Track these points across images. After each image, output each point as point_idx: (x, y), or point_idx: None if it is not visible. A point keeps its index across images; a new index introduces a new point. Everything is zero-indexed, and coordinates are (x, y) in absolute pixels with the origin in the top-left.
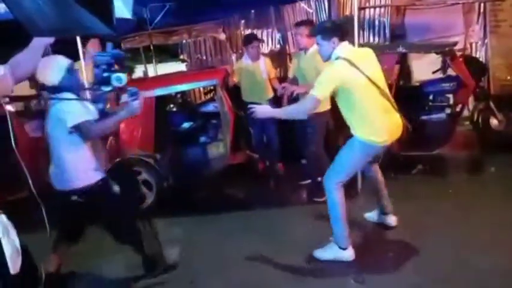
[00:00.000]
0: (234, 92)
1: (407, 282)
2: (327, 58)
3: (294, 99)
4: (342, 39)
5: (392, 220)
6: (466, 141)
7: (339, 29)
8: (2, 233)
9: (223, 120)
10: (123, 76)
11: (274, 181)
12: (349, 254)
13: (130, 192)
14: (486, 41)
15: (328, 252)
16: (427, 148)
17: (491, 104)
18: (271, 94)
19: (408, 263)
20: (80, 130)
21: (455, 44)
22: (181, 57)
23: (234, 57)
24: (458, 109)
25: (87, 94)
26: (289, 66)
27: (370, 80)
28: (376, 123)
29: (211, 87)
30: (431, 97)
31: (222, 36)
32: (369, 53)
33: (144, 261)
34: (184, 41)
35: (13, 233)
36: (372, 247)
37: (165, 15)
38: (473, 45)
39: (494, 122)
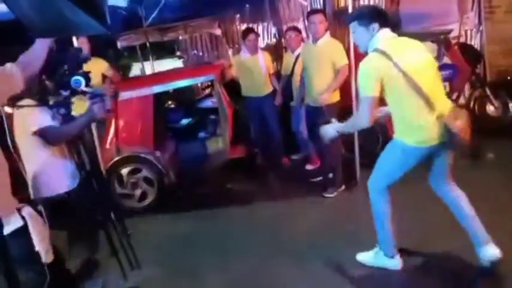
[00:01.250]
0: (232, 87)
1: (407, 264)
2: (365, 48)
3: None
4: (383, 25)
5: (497, 252)
6: None
7: (380, 14)
8: (31, 226)
9: (221, 115)
10: (82, 79)
11: (278, 175)
12: (396, 263)
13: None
14: (481, 27)
15: (374, 259)
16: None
17: (488, 91)
18: (270, 88)
19: (407, 247)
20: (42, 136)
21: (450, 31)
22: (178, 53)
23: (230, 52)
24: (454, 97)
25: (50, 99)
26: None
27: (408, 74)
28: (414, 123)
29: (209, 83)
30: None
31: (218, 32)
32: (414, 42)
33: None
34: (180, 38)
35: (41, 222)
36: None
37: (160, 12)
38: (468, 32)
39: (490, 108)
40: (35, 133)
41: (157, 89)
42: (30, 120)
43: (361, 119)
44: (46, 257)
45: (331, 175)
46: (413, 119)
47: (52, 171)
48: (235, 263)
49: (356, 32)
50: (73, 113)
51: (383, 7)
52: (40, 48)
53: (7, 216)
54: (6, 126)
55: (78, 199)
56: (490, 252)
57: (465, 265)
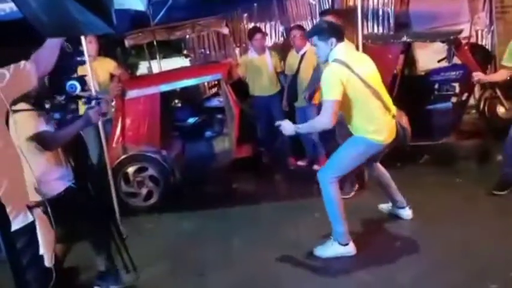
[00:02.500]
0: (239, 86)
1: (415, 269)
2: (325, 59)
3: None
4: (339, 40)
5: (408, 214)
6: (473, 130)
7: (336, 30)
8: (39, 227)
9: (228, 115)
10: (77, 83)
11: (283, 175)
12: (350, 249)
13: (100, 201)
14: (492, 27)
15: (329, 250)
16: (433, 138)
17: (498, 92)
18: (278, 88)
19: (416, 251)
20: (36, 141)
21: (460, 31)
22: (185, 52)
23: (237, 51)
24: (464, 98)
25: (45, 103)
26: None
27: (364, 81)
28: (375, 122)
29: (216, 82)
30: (437, 86)
31: (226, 31)
32: (364, 56)
33: (101, 272)
34: (187, 36)
35: (49, 227)
36: (378, 237)
37: (168, 11)
38: (479, 32)
39: (501, 110)
40: (30, 138)
41: (164, 87)
42: (25, 124)
43: (324, 121)
44: (49, 261)
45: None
46: (375, 119)
47: (47, 176)
48: (241, 262)
49: (317, 45)
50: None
51: (392, 7)
52: (52, 47)
53: (18, 212)
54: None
55: (77, 196)
56: (408, 212)
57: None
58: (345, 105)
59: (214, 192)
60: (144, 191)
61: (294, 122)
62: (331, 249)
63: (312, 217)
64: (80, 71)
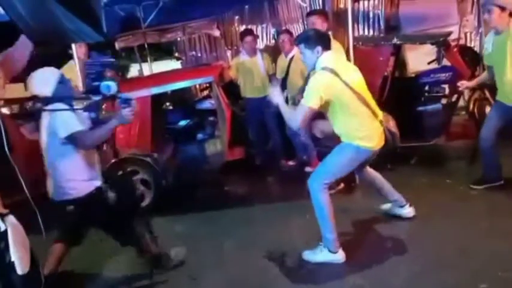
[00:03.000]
0: (230, 88)
1: (407, 270)
2: (311, 67)
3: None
4: (325, 48)
5: (409, 211)
6: (463, 131)
7: (322, 38)
8: (11, 235)
9: (219, 117)
10: (113, 84)
11: (276, 177)
12: (339, 257)
13: (126, 196)
14: (481, 30)
15: (318, 255)
16: (424, 139)
17: (487, 93)
18: (267, 91)
19: (407, 252)
20: (73, 140)
21: (449, 34)
22: (176, 55)
23: (229, 53)
24: (454, 99)
25: (80, 103)
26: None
27: (352, 88)
28: (363, 129)
29: (207, 84)
30: (426, 88)
31: (217, 33)
32: (351, 64)
33: (150, 260)
34: (178, 39)
35: (22, 233)
36: (369, 238)
37: (158, 13)
38: (468, 34)
39: (489, 110)
40: (67, 137)
41: (156, 90)
42: (61, 124)
43: (294, 121)
44: (20, 268)
45: None
46: (364, 126)
47: (81, 175)
48: (233, 264)
49: (303, 53)
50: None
51: (383, 10)
52: (22, 50)
53: None
54: (3, 127)
55: (105, 195)
56: (409, 210)
57: None
58: (333, 112)
59: (206, 194)
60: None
61: (283, 123)
62: (320, 255)
63: (303, 219)
64: (67, 72)
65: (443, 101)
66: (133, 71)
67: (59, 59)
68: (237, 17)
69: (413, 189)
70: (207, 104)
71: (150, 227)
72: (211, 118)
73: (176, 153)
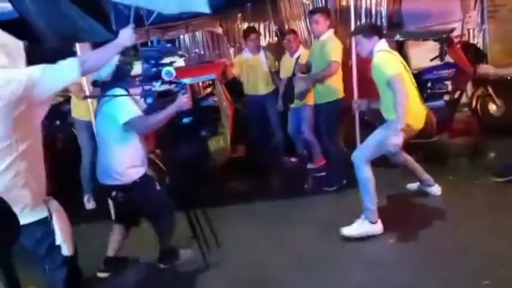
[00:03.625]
0: (233, 85)
1: (409, 267)
2: (367, 53)
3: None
4: (380, 37)
5: (437, 189)
6: (465, 127)
7: (378, 29)
8: (56, 219)
9: (222, 114)
10: (172, 70)
11: (278, 174)
12: (378, 228)
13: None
14: (484, 26)
15: (360, 228)
16: (426, 135)
17: (490, 90)
18: (272, 87)
19: (410, 249)
20: (132, 126)
21: (452, 30)
22: (179, 52)
23: (231, 50)
24: (456, 96)
25: (137, 89)
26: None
27: (408, 70)
28: (412, 108)
29: (210, 82)
30: (429, 84)
31: (219, 30)
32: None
33: (163, 252)
34: (181, 36)
35: (65, 217)
36: (372, 236)
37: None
38: (471, 31)
39: (493, 107)
40: (126, 123)
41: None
42: (121, 109)
43: (403, 92)
44: (67, 250)
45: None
46: (414, 105)
47: (132, 161)
48: (236, 262)
49: (360, 42)
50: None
51: (385, 6)
52: (113, 49)
53: (34, 206)
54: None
55: (150, 181)
56: (438, 188)
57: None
58: (386, 89)
59: (209, 191)
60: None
61: (285, 121)
62: (361, 227)
63: (306, 215)
64: None
65: (446, 97)
66: (137, 68)
67: (62, 55)
68: (239, 15)
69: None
70: (210, 101)
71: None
72: (214, 115)
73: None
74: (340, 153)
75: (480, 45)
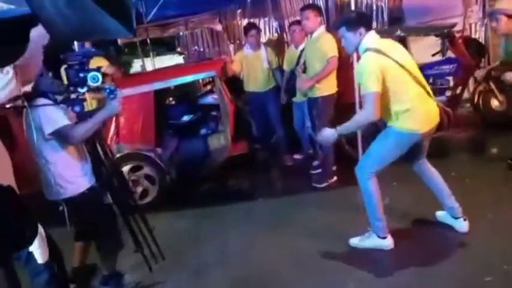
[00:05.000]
0: (233, 82)
1: (411, 263)
2: (353, 49)
3: (290, 87)
4: (368, 29)
5: (462, 226)
6: (467, 123)
7: (365, 18)
8: None
9: (223, 112)
10: (99, 74)
11: (279, 172)
12: (388, 243)
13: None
14: (485, 21)
15: (367, 241)
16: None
17: (492, 85)
18: (272, 84)
19: (412, 246)
20: (59, 136)
21: (453, 25)
22: (179, 49)
23: (231, 47)
24: (458, 91)
25: (62, 97)
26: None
27: (402, 66)
28: (412, 110)
29: (210, 79)
30: (431, 80)
31: (219, 27)
32: (394, 43)
33: (105, 275)
34: (181, 33)
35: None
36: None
37: (160, 8)
38: (473, 26)
39: (495, 103)
40: (52, 133)
41: (158, 85)
42: (45, 120)
43: (367, 114)
44: (40, 257)
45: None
46: (412, 107)
47: (73, 171)
48: (237, 260)
49: (344, 36)
50: (86, 109)
51: (386, 1)
52: (36, 55)
53: None
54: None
55: (98, 195)
56: (460, 224)
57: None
58: (382, 94)
59: (209, 189)
60: (139, 189)
61: (291, 117)
62: (369, 241)
63: (308, 214)
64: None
65: (448, 93)
66: (136, 66)
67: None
68: (239, 11)
69: (418, 183)
70: (210, 99)
71: (147, 225)
72: (214, 113)
73: (179, 148)
74: (331, 150)
75: (482, 40)
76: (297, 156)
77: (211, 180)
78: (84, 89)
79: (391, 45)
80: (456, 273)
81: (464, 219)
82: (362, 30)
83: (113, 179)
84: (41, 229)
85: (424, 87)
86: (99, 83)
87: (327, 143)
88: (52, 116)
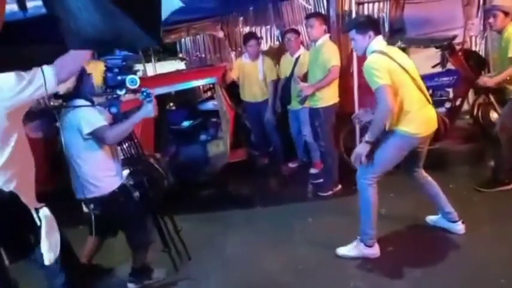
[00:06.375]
0: (233, 89)
1: (407, 274)
2: (362, 52)
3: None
4: (377, 33)
5: (461, 228)
6: (467, 135)
7: (374, 23)
8: (45, 227)
9: (222, 118)
10: (137, 78)
11: (278, 178)
12: (374, 252)
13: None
14: (486, 33)
15: (353, 251)
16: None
17: (491, 98)
18: (266, 95)
19: (408, 257)
20: (96, 136)
21: (454, 37)
22: (180, 55)
23: (233, 54)
24: (458, 103)
25: (101, 99)
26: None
27: (406, 71)
28: (412, 114)
29: (211, 85)
30: (430, 91)
31: (221, 34)
32: (398, 50)
33: (136, 269)
34: (182, 39)
35: (55, 226)
36: None
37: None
38: (473, 38)
39: (494, 115)
40: (90, 133)
41: (159, 91)
42: (84, 121)
43: (383, 108)
44: (47, 259)
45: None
46: (412, 111)
47: (105, 171)
48: (234, 266)
49: (354, 39)
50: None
51: (387, 13)
52: (76, 56)
53: None
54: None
55: (128, 192)
56: (459, 227)
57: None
58: None
59: (208, 196)
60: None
61: (287, 124)
62: (355, 250)
63: (305, 221)
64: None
65: (447, 104)
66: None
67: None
68: (241, 18)
69: (416, 194)
70: (211, 105)
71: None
72: (214, 119)
73: (179, 153)
74: (335, 158)
75: (482, 52)
76: (291, 165)
77: (210, 186)
78: (123, 91)
79: (396, 51)
80: (452, 285)
81: (462, 222)
82: (371, 33)
83: (144, 178)
84: (56, 230)
85: (424, 94)
86: (137, 86)
87: (359, 159)
88: (90, 117)
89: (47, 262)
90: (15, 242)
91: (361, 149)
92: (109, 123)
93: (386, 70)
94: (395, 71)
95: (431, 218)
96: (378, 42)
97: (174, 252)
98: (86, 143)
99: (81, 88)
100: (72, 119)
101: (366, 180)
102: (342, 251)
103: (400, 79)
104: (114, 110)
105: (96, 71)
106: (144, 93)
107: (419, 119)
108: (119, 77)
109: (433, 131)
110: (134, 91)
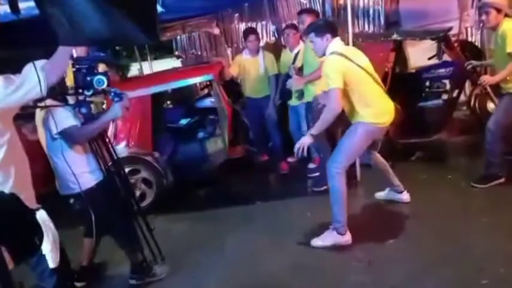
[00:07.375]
0: (231, 86)
1: (408, 266)
2: (321, 54)
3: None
4: (334, 35)
5: (407, 197)
6: (464, 126)
7: (331, 26)
8: (45, 230)
9: (220, 115)
10: (104, 78)
11: (276, 175)
12: (346, 239)
13: (125, 194)
14: (481, 25)
15: (326, 240)
16: (425, 135)
17: (488, 89)
18: (268, 91)
19: (408, 249)
20: (65, 136)
21: (450, 29)
22: (176, 53)
23: (229, 51)
24: (455, 94)
25: (70, 99)
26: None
27: (364, 69)
28: (376, 105)
29: (208, 82)
30: (427, 83)
31: (216, 31)
32: (356, 49)
33: (134, 265)
34: (178, 37)
35: (53, 228)
36: (370, 235)
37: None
38: (469, 29)
39: (491, 106)
40: (59, 133)
41: (156, 89)
42: (53, 120)
43: (331, 108)
44: (52, 261)
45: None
46: (375, 104)
47: (81, 167)
48: (234, 263)
49: (313, 41)
50: (92, 111)
51: (383, 5)
52: (64, 56)
53: None
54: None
55: (107, 191)
56: (405, 196)
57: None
58: (345, 94)
59: (207, 193)
60: (136, 193)
61: (287, 120)
62: (328, 238)
63: (304, 216)
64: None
65: (444, 96)
66: (134, 70)
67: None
68: (236, 15)
69: (415, 186)
70: (208, 103)
71: (148, 226)
72: (211, 116)
73: (177, 152)
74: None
75: (478, 43)
76: (290, 160)
77: (208, 184)
78: (90, 92)
79: (353, 52)
80: (452, 276)
81: (407, 191)
82: (328, 36)
83: (116, 179)
84: (54, 232)
85: (381, 87)
86: (104, 86)
87: (305, 145)
88: (59, 117)
89: (52, 264)
90: (18, 244)
91: (306, 140)
92: (80, 123)
93: (341, 73)
94: (352, 69)
95: (380, 194)
96: (336, 44)
97: (147, 251)
98: (58, 141)
99: (52, 88)
100: (42, 119)
101: (335, 168)
102: (317, 242)
103: (357, 76)
104: (84, 110)
105: (69, 71)
106: (112, 94)
107: (381, 110)
108: (88, 78)
109: (392, 118)
110: (104, 91)
